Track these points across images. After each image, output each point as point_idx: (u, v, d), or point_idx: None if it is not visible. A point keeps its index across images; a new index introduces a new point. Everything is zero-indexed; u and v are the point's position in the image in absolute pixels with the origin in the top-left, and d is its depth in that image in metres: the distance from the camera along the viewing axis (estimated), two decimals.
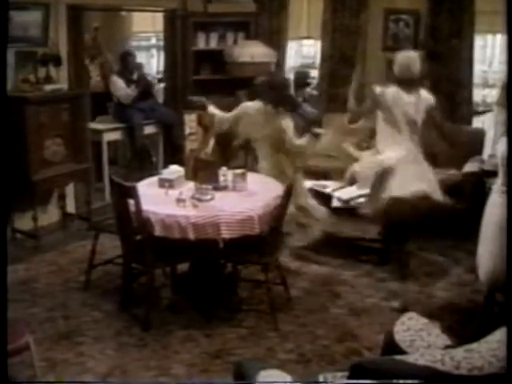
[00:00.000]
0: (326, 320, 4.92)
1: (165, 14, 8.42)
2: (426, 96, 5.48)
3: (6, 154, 6.02)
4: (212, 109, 5.86)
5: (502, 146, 4.17)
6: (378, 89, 5.51)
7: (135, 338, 4.62)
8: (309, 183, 6.19)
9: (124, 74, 8.12)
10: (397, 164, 5.40)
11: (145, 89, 8.20)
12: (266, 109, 5.69)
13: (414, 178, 5.34)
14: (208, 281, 5.03)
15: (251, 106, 5.80)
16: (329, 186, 6.19)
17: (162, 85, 8.20)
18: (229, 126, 5.81)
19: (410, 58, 5.49)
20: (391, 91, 5.45)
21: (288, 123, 5.68)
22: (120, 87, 8.06)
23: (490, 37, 7.42)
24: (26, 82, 6.24)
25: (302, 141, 5.65)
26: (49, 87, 6.32)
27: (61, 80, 6.64)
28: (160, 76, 9.32)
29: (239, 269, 5.41)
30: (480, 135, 7.09)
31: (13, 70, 6.18)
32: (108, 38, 9.67)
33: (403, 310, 4.75)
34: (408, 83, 5.43)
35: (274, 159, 5.69)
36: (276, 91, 5.79)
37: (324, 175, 6.79)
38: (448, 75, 7.33)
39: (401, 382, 2.25)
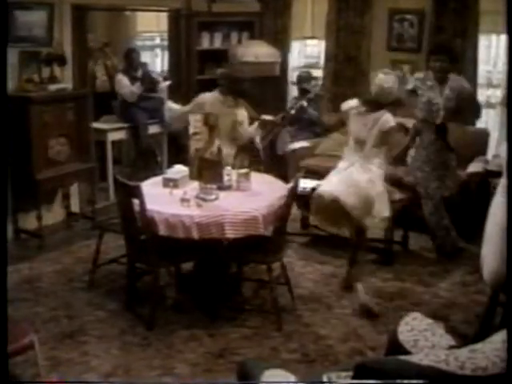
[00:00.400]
0: (329, 320, 4.92)
1: (169, 13, 8.43)
2: (385, 121, 5.52)
3: (11, 153, 6.07)
4: (170, 104, 6.00)
5: (506, 146, 4.16)
6: (345, 106, 5.73)
7: (139, 337, 4.63)
8: (312, 183, 6.18)
9: (128, 72, 8.12)
10: (336, 170, 5.69)
11: (150, 86, 8.19)
12: (225, 99, 6.01)
13: (336, 183, 5.44)
14: (212, 280, 5.04)
15: (209, 96, 6.08)
16: None
17: (167, 82, 8.19)
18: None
19: (387, 83, 5.53)
20: (353, 111, 5.64)
21: (244, 114, 6.03)
22: (125, 85, 8.06)
23: (494, 37, 7.39)
24: (30, 81, 6.25)
25: (251, 129, 6.07)
26: (53, 87, 6.34)
27: (65, 80, 6.65)
28: (165, 74, 9.31)
29: (243, 269, 5.42)
30: (484, 135, 7.08)
31: (17, 69, 6.20)
32: (112, 37, 9.67)
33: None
34: (373, 105, 5.54)
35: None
36: (236, 83, 6.11)
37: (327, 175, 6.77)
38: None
39: (405, 382, 2.24)
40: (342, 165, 5.69)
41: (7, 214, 2.69)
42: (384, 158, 5.61)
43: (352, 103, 5.68)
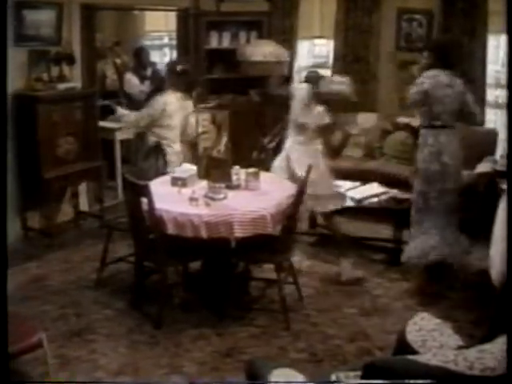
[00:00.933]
0: (337, 319, 4.92)
1: (177, 13, 8.43)
2: (320, 113, 5.66)
3: (19, 152, 6.10)
4: (120, 110, 5.94)
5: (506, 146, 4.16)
6: (293, 85, 6.25)
7: (147, 335, 4.64)
8: None
9: (138, 71, 8.13)
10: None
11: (159, 84, 8.20)
12: (181, 96, 6.10)
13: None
14: (220, 279, 5.04)
15: (167, 96, 6.07)
16: (341, 186, 6.17)
17: None
18: (148, 122, 6.02)
19: (335, 83, 5.79)
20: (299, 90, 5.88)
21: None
22: (134, 84, 8.08)
23: (503, 37, 7.37)
24: (39, 80, 6.26)
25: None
26: (62, 86, 6.35)
27: (74, 79, 6.67)
28: None
29: (251, 268, 5.42)
30: (493, 135, 7.07)
31: (26, 68, 6.22)
32: (121, 37, 9.69)
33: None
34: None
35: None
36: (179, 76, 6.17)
37: (335, 175, 6.76)
38: (461, 75, 7.29)
39: (411, 382, 2.25)
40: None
41: (7, 214, 2.70)
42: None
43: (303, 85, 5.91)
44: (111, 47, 9.13)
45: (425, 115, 5.28)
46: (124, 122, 6.21)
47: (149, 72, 8.24)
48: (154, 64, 8.59)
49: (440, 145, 5.20)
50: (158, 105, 6.03)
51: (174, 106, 6.04)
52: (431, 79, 5.17)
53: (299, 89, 5.90)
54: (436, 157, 5.19)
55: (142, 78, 8.11)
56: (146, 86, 8.06)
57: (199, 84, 6.81)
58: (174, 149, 6.08)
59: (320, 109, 5.63)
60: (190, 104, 6.11)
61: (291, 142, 5.81)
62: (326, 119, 5.62)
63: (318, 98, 5.65)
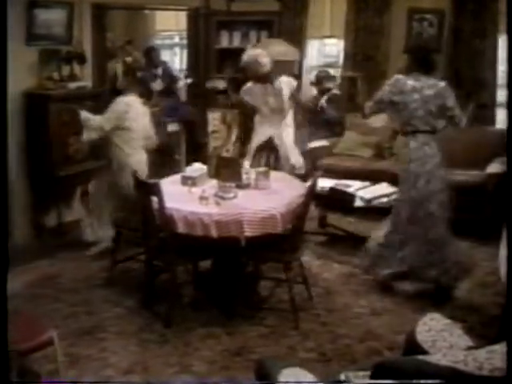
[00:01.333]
0: (346, 319, 4.92)
1: (188, 12, 8.45)
2: (285, 81, 5.98)
3: (31, 150, 6.12)
4: (85, 114, 5.80)
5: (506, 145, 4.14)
6: (245, 87, 6.15)
7: (156, 334, 4.65)
8: (331, 182, 6.20)
9: (149, 70, 8.16)
10: None
11: (170, 84, 8.22)
12: (140, 101, 6.07)
13: None
14: (229, 279, 5.05)
15: (128, 98, 5.98)
16: (352, 186, 6.17)
17: (188, 80, 8.23)
18: (113, 125, 5.85)
19: (255, 55, 5.95)
20: (249, 88, 6.07)
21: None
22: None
23: None
24: (50, 79, 6.29)
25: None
26: (73, 85, 6.38)
27: (85, 78, 6.69)
28: (185, 73, 9.34)
29: (260, 267, 5.42)
30: (503, 136, 7.04)
31: (37, 67, 6.24)
32: (131, 36, 9.70)
33: None
34: (259, 78, 5.94)
35: None
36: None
37: (345, 175, 6.77)
38: (472, 75, 7.30)
39: (421, 382, 2.24)
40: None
41: (13, 213, 2.71)
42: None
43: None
44: (123, 46, 9.13)
45: (396, 121, 5.31)
46: (89, 127, 5.81)
47: (159, 71, 8.25)
48: (164, 63, 8.59)
49: (410, 151, 5.18)
50: (121, 106, 5.88)
51: (136, 108, 5.97)
52: (392, 86, 5.18)
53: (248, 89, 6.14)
54: (406, 163, 5.22)
55: (153, 77, 8.12)
56: (156, 85, 8.08)
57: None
58: (137, 156, 5.98)
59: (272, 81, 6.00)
60: (147, 110, 6.19)
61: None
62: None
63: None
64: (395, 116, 5.31)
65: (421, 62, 5.22)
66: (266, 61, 5.91)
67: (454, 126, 5.29)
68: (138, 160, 5.79)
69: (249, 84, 6.11)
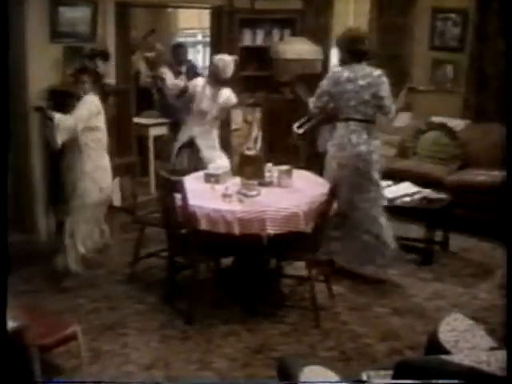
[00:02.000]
0: (368, 318, 4.91)
1: (211, 10, 8.46)
2: (226, 96, 6.15)
3: None
4: (56, 115, 5.42)
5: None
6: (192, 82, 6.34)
7: (178, 330, 4.67)
8: None
9: (173, 67, 8.17)
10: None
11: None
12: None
13: None
14: (251, 276, 5.06)
15: (93, 97, 5.57)
16: None
17: None
18: (85, 125, 5.46)
19: (224, 61, 6.08)
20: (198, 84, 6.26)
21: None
22: (169, 78, 8.10)
23: None
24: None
25: None
26: None
27: (109, 75, 6.72)
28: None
29: (282, 265, 5.43)
30: None
31: (61, 64, 6.28)
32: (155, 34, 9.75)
33: None
34: (218, 82, 6.12)
35: None
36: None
37: None
38: (495, 75, 7.25)
39: (445, 382, 2.24)
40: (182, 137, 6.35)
41: (7, 213, 2.75)
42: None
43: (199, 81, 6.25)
44: (145, 36, 9.16)
45: (334, 111, 5.49)
46: (61, 128, 5.28)
47: (184, 68, 8.27)
48: (189, 61, 8.62)
49: (334, 137, 5.46)
50: (91, 104, 5.55)
51: (99, 107, 5.70)
52: (329, 79, 5.45)
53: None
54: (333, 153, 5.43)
55: (177, 74, 8.14)
56: (180, 80, 8.09)
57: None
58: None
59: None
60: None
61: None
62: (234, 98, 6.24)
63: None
64: (333, 106, 5.50)
65: (351, 52, 5.38)
66: (232, 68, 6.11)
67: (384, 115, 5.41)
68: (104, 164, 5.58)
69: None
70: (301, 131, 6.39)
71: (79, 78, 5.50)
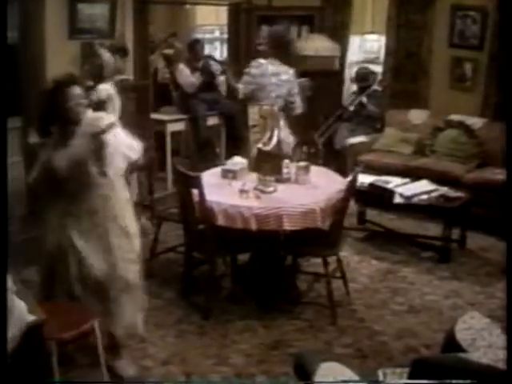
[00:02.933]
0: (384, 316, 4.90)
1: (229, 7, 8.47)
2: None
3: None
4: None
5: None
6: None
7: (195, 325, 4.69)
8: (370, 178, 6.17)
9: (191, 63, 8.20)
10: None
11: (208, 78, 8.24)
12: None
13: None
14: (268, 272, 5.07)
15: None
16: (391, 182, 6.14)
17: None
18: None
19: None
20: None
21: None
22: (185, 75, 8.14)
23: None
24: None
25: None
26: (115, 78, 6.43)
27: (127, 71, 6.76)
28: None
29: (299, 261, 5.43)
30: None
31: (79, 61, 6.32)
32: (172, 30, 9.77)
33: None
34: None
35: None
36: None
37: (385, 171, 6.73)
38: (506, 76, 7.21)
39: (460, 381, 2.24)
40: None
41: (7, 213, 2.77)
42: None
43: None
44: (166, 39, 9.20)
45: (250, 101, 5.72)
46: None
47: (200, 65, 8.30)
48: (206, 57, 8.64)
49: None
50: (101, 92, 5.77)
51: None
52: (255, 68, 5.82)
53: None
54: None
55: (194, 70, 8.17)
56: (196, 78, 8.11)
57: None
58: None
59: None
60: None
61: None
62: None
63: None
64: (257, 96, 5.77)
65: (275, 48, 5.84)
66: None
67: (291, 110, 5.83)
68: None
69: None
70: (322, 140, 6.44)
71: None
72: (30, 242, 5.91)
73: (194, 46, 8.42)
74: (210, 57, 8.79)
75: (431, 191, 6.02)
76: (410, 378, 2.53)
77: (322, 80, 8.01)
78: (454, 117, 7.29)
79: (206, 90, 8.21)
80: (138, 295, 4.08)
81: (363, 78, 8.32)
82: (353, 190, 4.93)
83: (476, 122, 7.18)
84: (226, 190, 4.91)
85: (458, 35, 7.68)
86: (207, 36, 11.21)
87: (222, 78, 8.25)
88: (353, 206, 6.11)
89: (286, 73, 5.81)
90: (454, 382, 2.23)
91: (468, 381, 2.23)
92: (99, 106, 5.30)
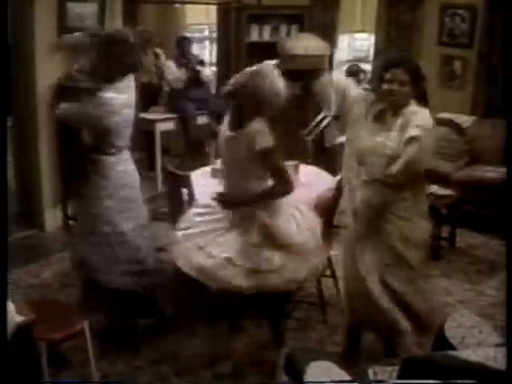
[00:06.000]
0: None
1: (219, 6, 8.47)
2: None
3: (61, 142, 6.18)
4: None
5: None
6: None
7: (187, 324, 4.66)
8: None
9: (178, 59, 8.20)
10: None
11: (193, 73, 8.22)
12: None
13: None
14: None
15: None
16: None
17: (213, 68, 8.24)
18: None
19: None
20: None
21: None
22: (172, 72, 8.15)
23: None
24: (80, 72, 6.33)
25: None
26: None
27: None
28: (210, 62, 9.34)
29: None
30: None
31: (69, 60, 6.29)
32: (162, 29, 9.75)
33: None
34: None
35: None
36: None
37: None
38: (504, 74, 7.23)
39: (459, 381, 2.24)
40: None
41: (7, 212, 2.76)
42: None
43: None
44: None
45: None
46: None
47: (185, 61, 8.32)
48: (193, 55, 8.64)
49: None
50: None
51: None
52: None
53: None
54: None
55: (181, 66, 8.17)
56: (181, 73, 8.11)
57: None
58: None
59: None
60: None
61: None
62: None
63: None
64: None
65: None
66: None
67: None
68: None
69: None
70: (310, 138, 6.41)
71: None
72: (19, 243, 5.96)
73: (181, 43, 8.42)
74: (195, 55, 8.75)
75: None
76: (400, 376, 2.53)
77: (312, 79, 8.01)
78: (444, 115, 7.30)
79: (194, 87, 8.19)
80: None
81: (354, 74, 8.31)
82: (342, 189, 4.91)
83: (465, 120, 7.20)
84: (216, 188, 4.89)
85: (447, 33, 7.70)
86: (197, 35, 11.20)
87: (208, 73, 8.26)
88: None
89: None
90: (459, 381, 2.23)
91: (467, 381, 2.23)
92: None
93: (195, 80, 8.25)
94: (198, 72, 8.26)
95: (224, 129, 4.10)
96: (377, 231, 3.92)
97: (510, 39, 4.03)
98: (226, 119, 4.12)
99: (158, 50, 8.92)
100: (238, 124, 3.96)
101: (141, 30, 8.68)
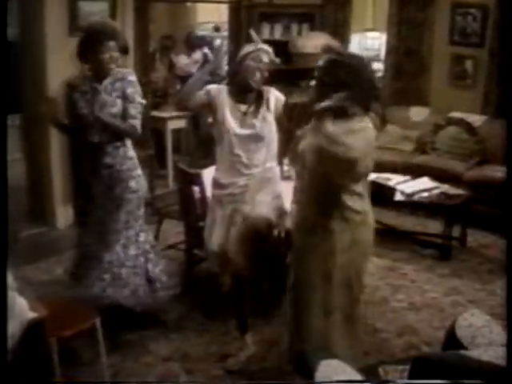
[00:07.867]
0: (385, 313, 4.91)
1: (230, 4, 8.47)
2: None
3: (72, 140, 6.19)
4: None
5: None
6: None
7: (196, 322, 4.70)
8: (372, 176, 6.16)
9: (187, 53, 8.30)
10: None
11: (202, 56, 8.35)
12: None
13: None
14: (269, 269, 5.06)
15: None
16: (392, 179, 6.14)
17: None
18: None
19: None
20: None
21: None
22: (182, 61, 8.24)
23: None
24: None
25: None
26: None
27: (127, 68, 6.74)
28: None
29: None
30: None
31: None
32: (173, 28, 9.78)
33: None
34: None
35: None
36: None
37: (386, 168, 6.73)
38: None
39: (466, 382, 2.23)
40: None
41: (7, 212, 2.77)
42: None
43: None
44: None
45: None
46: None
47: (198, 55, 8.41)
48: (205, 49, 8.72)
49: None
50: None
51: None
52: None
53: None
54: None
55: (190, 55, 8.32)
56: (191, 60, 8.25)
57: None
58: None
59: None
60: None
61: None
62: None
63: None
64: None
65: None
66: None
67: None
68: None
69: None
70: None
71: None
72: (30, 240, 5.98)
73: (189, 38, 8.47)
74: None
75: (432, 189, 6.02)
76: (410, 375, 2.53)
77: None
78: (455, 114, 7.29)
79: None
80: None
81: None
82: None
83: (477, 119, 7.18)
84: None
85: (458, 33, 7.68)
86: (208, 33, 11.22)
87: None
88: None
89: None
90: (466, 382, 2.23)
91: (473, 381, 2.23)
92: None
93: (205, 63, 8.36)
94: (206, 55, 8.38)
95: None
96: None
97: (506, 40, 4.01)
98: None
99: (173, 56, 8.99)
100: None
101: (163, 36, 8.81)
